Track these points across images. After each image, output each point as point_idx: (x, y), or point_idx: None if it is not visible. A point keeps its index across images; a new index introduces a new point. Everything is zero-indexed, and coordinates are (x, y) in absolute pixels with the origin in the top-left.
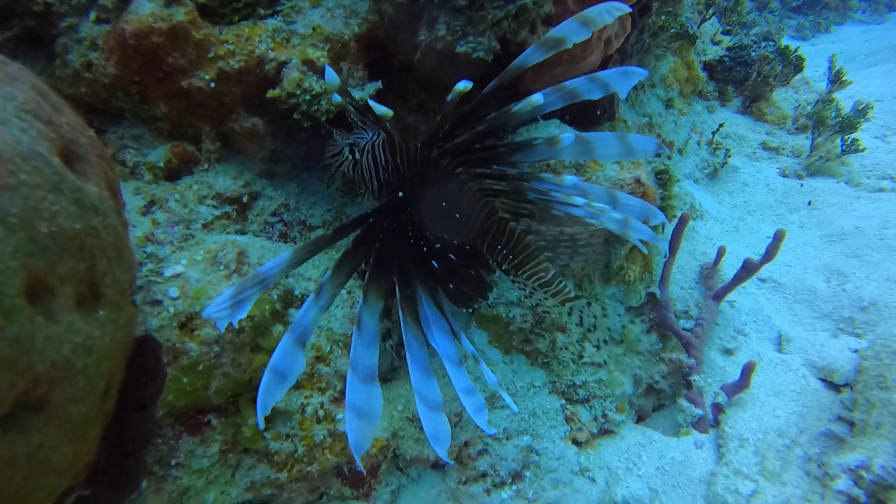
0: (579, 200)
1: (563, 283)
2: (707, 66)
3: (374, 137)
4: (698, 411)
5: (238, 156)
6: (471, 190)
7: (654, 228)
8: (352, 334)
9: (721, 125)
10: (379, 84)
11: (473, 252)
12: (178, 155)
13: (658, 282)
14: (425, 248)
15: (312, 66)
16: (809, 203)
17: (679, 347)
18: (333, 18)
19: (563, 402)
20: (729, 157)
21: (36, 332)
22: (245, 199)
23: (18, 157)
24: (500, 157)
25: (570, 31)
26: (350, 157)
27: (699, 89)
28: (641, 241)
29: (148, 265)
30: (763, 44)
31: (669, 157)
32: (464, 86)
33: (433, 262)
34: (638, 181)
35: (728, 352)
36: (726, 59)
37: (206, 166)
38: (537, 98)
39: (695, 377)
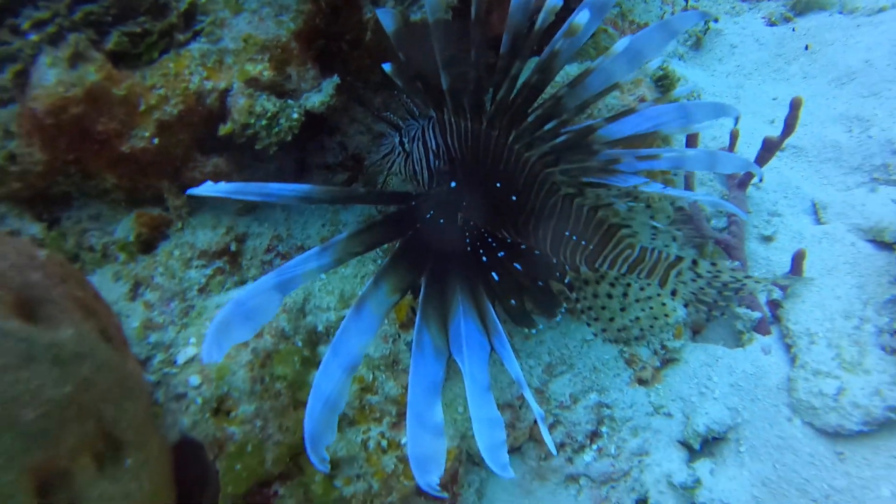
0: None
1: (657, 252)
2: None
3: (426, 122)
4: (756, 314)
5: (209, 202)
6: (528, 162)
7: None
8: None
9: None
10: (336, 79)
11: (542, 260)
12: (146, 224)
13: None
14: (485, 258)
15: (257, 84)
16: (807, 47)
17: (720, 252)
18: (263, 21)
19: (620, 346)
20: (710, 21)
21: None
22: (233, 247)
23: None
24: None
25: None
26: (401, 150)
27: None
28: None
29: (157, 356)
30: None
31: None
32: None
33: (493, 273)
34: (642, 100)
35: (767, 238)
36: None
37: (179, 225)
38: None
39: None
